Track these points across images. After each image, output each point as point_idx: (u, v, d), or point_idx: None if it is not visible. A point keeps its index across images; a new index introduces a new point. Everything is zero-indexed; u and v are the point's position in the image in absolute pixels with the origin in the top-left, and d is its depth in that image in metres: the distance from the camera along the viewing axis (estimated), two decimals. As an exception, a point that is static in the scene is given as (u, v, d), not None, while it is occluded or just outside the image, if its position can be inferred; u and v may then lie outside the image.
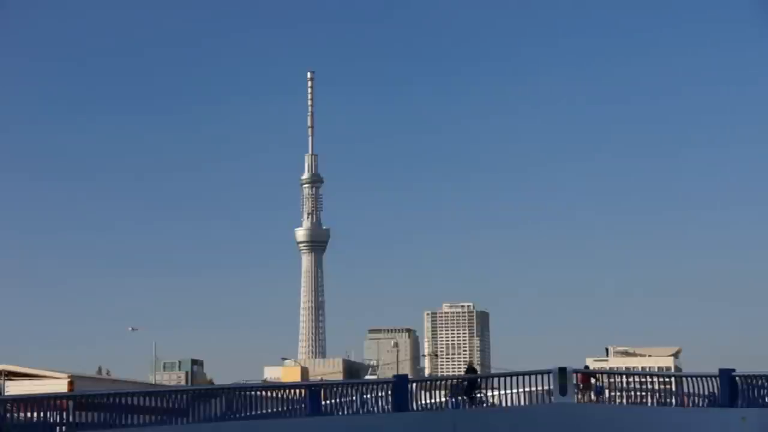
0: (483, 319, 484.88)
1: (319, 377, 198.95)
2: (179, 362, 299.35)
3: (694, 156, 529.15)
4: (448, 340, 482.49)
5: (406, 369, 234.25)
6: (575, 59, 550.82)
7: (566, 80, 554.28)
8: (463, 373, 51.18)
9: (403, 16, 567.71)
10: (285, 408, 45.68)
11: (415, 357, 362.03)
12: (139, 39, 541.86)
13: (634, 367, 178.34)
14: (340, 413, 45.39)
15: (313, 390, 45.48)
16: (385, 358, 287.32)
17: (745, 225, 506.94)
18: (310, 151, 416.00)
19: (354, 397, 46.21)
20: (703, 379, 47.07)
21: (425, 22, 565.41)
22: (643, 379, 50.74)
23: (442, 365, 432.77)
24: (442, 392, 48.26)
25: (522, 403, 46.40)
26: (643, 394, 48.70)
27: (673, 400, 48.78)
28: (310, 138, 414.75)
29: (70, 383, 63.78)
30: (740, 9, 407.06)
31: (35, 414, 41.51)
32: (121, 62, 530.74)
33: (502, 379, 47.87)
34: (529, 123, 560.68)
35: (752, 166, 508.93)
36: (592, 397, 47.01)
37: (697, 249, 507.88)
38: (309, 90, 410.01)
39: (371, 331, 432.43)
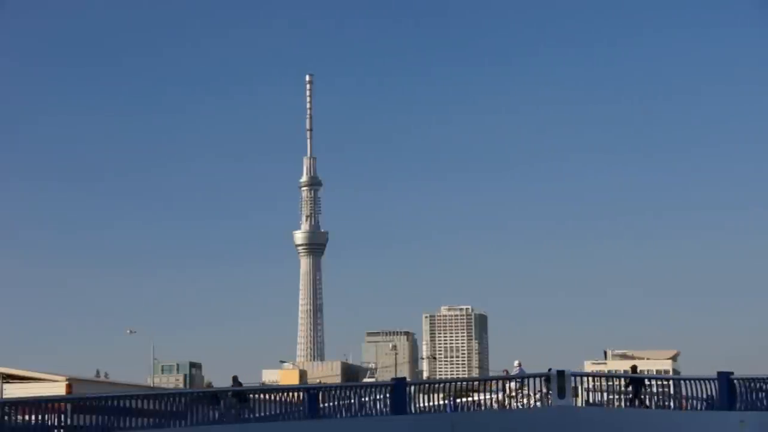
0: (481, 321, 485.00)
1: (318, 380, 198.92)
2: (177, 365, 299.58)
3: (693, 157, 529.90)
4: (446, 343, 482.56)
5: (404, 372, 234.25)
6: (576, 58, 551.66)
7: (566, 80, 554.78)
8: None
9: (402, 19, 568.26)
10: (283, 411, 45.64)
11: (414, 360, 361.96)
12: (138, 40, 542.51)
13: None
14: (339, 416, 45.42)
15: (311, 393, 45.43)
16: (384, 361, 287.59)
17: (744, 227, 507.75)
18: (308, 154, 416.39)
19: (352, 400, 46.24)
20: (702, 382, 47.04)
21: (424, 25, 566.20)
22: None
23: (441, 368, 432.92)
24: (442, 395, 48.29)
25: (520, 405, 46.47)
26: (642, 397, 48.65)
27: (672, 403, 48.82)
28: (308, 141, 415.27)
29: (68, 386, 63.69)
30: (742, 8, 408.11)
31: (33, 417, 41.42)
32: (119, 62, 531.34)
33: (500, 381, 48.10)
34: (527, 125, 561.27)
35: (751, 167, 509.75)
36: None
37: (696, 251, 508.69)
38: (308, 93, 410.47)
39: (369, 334, 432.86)
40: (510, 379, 48.55)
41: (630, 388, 47.20)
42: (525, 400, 46.67)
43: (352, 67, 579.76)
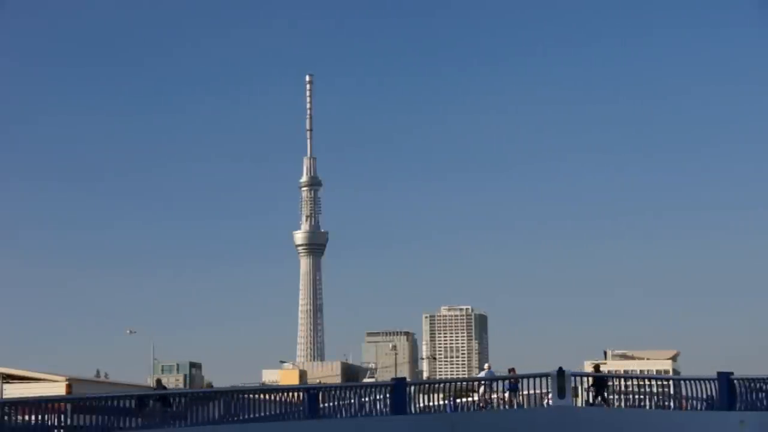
0: (481, 321, 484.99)
1: (318, 380, 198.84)
2: (177, 365, 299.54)
3: (692, 157, 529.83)
4: (446, 343, 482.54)
5: (404, 372, 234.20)
6: (576, 57, 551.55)
7: (566, 80, 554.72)
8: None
9: (402, 19, 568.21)
10: (283, 411, 45.64)
11: (414, 360, 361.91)
12: (138, 40, 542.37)
13: (632, 370, 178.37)
14: (339, 416, 45.42)
15: (311, 393, 45.42)
16: (384, 361, 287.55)
17: (745, 227, 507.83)
18: (308, 154, 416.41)
19: (352, 400, 46.24)
20: (702, 382, 47.04)
21: (424, 25, 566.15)
22: (642, 382, 50.74)
23: (441, 368, 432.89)
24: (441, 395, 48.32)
25: (520, 405, 46.47)
26: (642, 397, 48.69)
27: (672, 404, 48.82)
28: (308, 141, 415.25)
29: (68, 386, 63.69)
30: (742, 8, 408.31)
31: (33, 417, 41.42)
32: (120, 63, 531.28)
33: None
34: (526, 125, 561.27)
35: (751, 167, 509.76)
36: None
37: (696, 251, 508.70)
38: (308, 93, 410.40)
39: (369, 334, 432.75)
40: (491, 380, 48.68)
41: (593, 387, 47.31)
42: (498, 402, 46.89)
43: (352, 67, 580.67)
